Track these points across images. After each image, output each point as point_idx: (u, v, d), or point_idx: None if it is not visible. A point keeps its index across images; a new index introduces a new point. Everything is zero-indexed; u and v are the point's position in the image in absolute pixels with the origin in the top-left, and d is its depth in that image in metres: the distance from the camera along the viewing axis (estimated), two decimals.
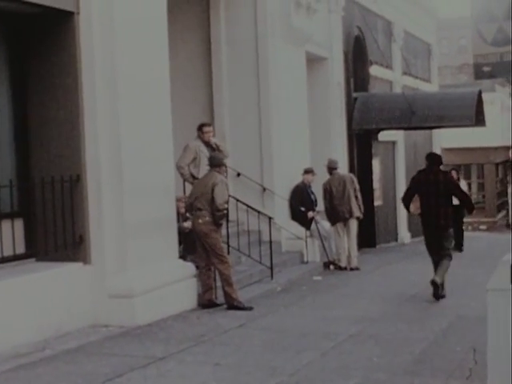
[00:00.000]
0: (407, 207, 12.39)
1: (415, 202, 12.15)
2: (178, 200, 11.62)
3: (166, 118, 11.03)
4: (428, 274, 14.52)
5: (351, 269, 15.25)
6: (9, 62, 9.97)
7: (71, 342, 9.04)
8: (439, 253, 12.02)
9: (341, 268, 15.26)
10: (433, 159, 12.14)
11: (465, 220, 15.83)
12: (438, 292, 11.78)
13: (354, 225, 15.43)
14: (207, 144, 12.26)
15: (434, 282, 11.71)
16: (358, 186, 15.52)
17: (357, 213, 15.35)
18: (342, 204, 15.26)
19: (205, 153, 11.94)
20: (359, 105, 20.01)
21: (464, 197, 12.10)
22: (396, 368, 7.87)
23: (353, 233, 15.42)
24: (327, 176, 15.73)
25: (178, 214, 11.65)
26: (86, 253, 9.93)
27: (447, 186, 11.90)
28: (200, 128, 12.41)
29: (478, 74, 19.24)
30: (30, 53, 10.02)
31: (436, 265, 12.12)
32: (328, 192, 15.36)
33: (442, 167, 12.30)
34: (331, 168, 15.56)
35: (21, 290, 8.91)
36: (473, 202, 12.93)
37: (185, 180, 12.17)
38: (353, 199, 15.27)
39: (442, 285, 11.90)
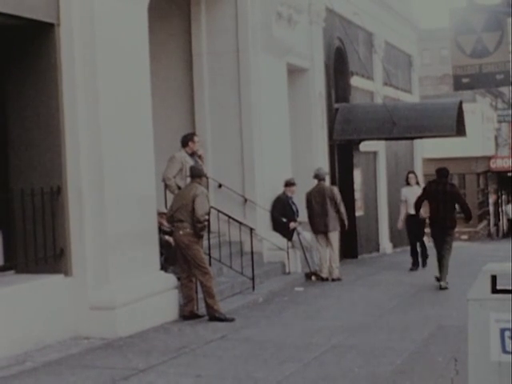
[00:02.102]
0: (418, 211, 14.95)
1: (425, 207, 14.69)
2: (159, 214, 11.58)
3: (147, 129, 11.02)
4: (410, 284, 14.60)
5: (333, 279, 15.24)
6: None
7: (52, 354, 9.01)
8: (442, 247, 14.18)
9: (322, 279, 15.25)
10: (442, 173, 14.49)
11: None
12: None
13: (333, 237, 15.35)
14: (192, 155, 12.26)
15: (441, 287, 14.01)
16: (339, 199, 15.40)
17: (332, 227, 15.30)
18: (319, 216, 15.28)
19: (190, 164, 11.93)
20: (340, 115, 20.04)
21: (465, 204, 14.58)
22: (377, 378, 7.87)
23: (334, 244, 15.36)
24: (309, 186, 15.78)
25: (160, 226, 11.62)
26: (66, 265, 9.90)
27: (452, 195, 14.29)
28: (192, 138, 12.42)
29: (457, 85, 19.27)
30: (10, 65, 9.99)
31: (440, 262, 14.21)
32: (309, 202, 15.41)
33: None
34: (318, 179, 15.56)
35: (0, 303, 8.86)
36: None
37: (171, 192, 12.12)
38: (330, 213, 15.20)
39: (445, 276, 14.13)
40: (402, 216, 17.41)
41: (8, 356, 8.70)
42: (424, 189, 14.95)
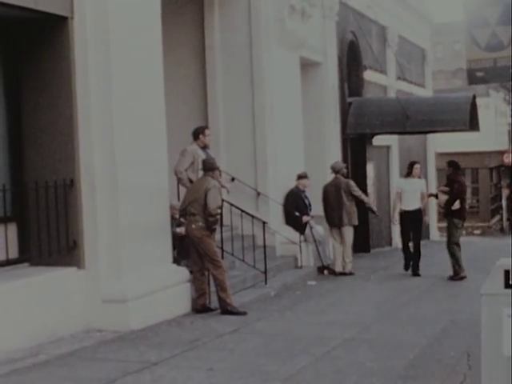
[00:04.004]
0: (450, 209, 14.62)
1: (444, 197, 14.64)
2: (171, 207, 11.58)
3: (160, 122, 11.03)
4: (422, 279, 14.57)
5: (345, 274, 15.21)
6: (2, 67, 9.97)
7: (65, 346, 9.04)
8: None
9: (335, 273, 15.23)
10: (458, 165, 15.17)
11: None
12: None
13: (347, 231, 15.30)
14: (204, 148, 12.26)
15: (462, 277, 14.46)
16: (356, 190, 15.27)
17: (346, 222, 15.22)
18: (334, 210, 15.26)
19: (202, 157, 11.94)
20: (353, 109, 20.01)
21: None
22: (389, 373, 7.86)
23: (347, 239, 15.30)
24: (321, 180, 15.77)
25: (172, 218, 11.63)
26: (79, 257, 9.93)
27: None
28: (202, 131, 12.42)
29: (471, 79, 19.29)
30: (24, 58, 10.02)
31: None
32: (325, 195, 15.41)
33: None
34: (334, 171, 15.53)
35: (14, 295, 8.90)
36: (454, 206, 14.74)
37: (182, 185, 12.13)
38: (345, 207, 15.14)
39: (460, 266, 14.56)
40: (397, 210, 15.44)
41: (22, 348, 8.74)
42: (460, 183, 14.84)
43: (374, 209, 15.90)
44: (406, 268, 15.50)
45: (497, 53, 18.17)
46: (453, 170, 15.02)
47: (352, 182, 15.58)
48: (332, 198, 15.29)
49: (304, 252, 15.32)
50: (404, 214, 15.17)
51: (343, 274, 15.17)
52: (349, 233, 15.34)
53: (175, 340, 9.39)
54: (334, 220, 15.35)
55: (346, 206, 15.16)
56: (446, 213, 14.74)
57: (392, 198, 15.02)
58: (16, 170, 10.04)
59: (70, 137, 9.87)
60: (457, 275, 14.46)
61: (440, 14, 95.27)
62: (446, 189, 14.79)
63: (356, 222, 15.39)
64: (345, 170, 15.91)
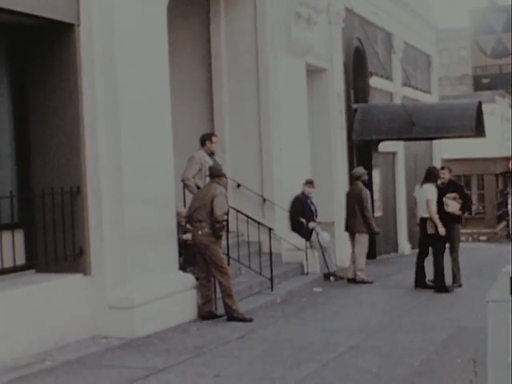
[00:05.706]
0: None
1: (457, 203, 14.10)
2: (177, 214, 11.58)
3: (166, 129, 11.04)
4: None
5: (356, 282, 15.02)
6: (9, 74, 10.00)
7: (71, 353, 9.04)
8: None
9: (342, 279, 15.14)
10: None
11: (464, 231, 15.42)
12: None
13: (358, 239, 15.14)
14: (211, 154, 12.28)
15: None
16: (364, 202, 14.99)
17: (358, 229, 15.07)
18: (348, 217, 15.24)
19: (209, 163, 11.95)
20: (359, 116, 20.03)
21: None
22: (396, 379, 7.86)
23: (357, 247, 15.16)
24: (327, 186, 15.79)
25: (179, 225, 11.64)
26: (86, 264, 9.94)
27: None
28: (209, 138, 12.44)
29: (477, 85, 19.37)
30: (31, 64, 10.04)
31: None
32: (346, 202, 15.46)
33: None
34: (352, 178, 15.51)
35: (21, 302, 8.91)
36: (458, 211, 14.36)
37: (190, 192, 12.13)
38: (357, 214, 15.03)
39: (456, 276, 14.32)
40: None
41: (28, 355, 8.74)
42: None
43: (376, 230, 15.57)
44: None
45: (502, 59, 18.20)
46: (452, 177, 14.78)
47: (364, 192, 15.08)
48: (347, 204, 15.28)
49: (310, 258, 15.30)
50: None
51: (353, 280, 15.07)
52: (360, 240, 15.15)
53: (181, 346, 9.39)
54: (347, 226, 15.31)
55: (357, 213, 15.04)
56: (455, 219, 14.31)
57: (431, 208, 13.76)
58: (23, 177, 10.06)
59: (76, 144, 9.89)
60: (455, 282, 14.37)
61: (445, 20, 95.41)
62: (456, 195, 14.15)
63: (375, 230, 15.29)
64: (365, 177, 15.37)
